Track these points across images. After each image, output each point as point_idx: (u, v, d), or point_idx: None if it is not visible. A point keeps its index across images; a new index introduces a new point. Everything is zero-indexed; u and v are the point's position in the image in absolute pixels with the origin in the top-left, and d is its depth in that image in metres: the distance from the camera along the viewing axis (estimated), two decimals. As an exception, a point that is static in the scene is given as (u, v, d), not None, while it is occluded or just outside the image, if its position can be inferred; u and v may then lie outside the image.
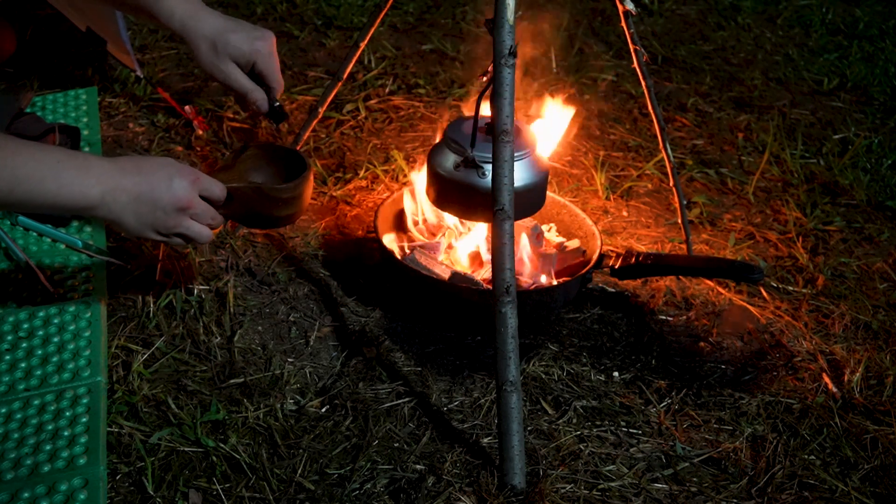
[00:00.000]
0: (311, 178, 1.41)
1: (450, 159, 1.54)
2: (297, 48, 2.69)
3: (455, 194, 1.55)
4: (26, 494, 1.21)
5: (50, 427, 1.30)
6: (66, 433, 1.29)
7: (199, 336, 1.55)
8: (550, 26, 2.90)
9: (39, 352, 1.42)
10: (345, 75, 1.66)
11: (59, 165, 1.14)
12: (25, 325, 1.48)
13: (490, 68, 1.29)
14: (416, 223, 1.77)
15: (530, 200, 1.58)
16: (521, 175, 1.47)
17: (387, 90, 2.46)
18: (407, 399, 1.47)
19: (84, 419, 1.31)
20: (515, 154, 1.42)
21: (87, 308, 1.53)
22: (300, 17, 2.88)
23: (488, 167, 1.42)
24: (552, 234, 1.79)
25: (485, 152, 1.47)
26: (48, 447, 1.27)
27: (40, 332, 1.47)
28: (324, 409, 1.44)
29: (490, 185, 1.29)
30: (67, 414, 1.32)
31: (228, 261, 1.74)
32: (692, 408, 1.50)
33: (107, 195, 1.16)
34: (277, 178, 1.41)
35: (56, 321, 1.49)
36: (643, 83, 1.62)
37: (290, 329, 1.60)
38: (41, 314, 1.51)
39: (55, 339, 1.46)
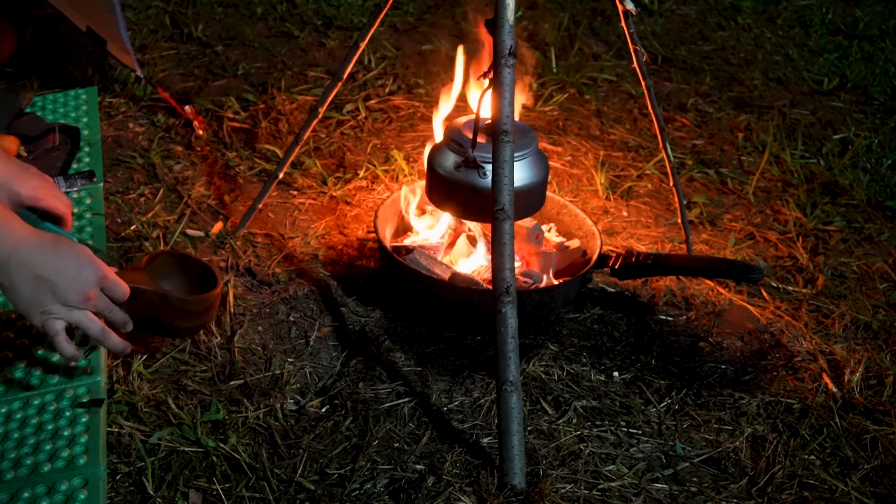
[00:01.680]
0: (219, 296, 1.37)
1: (450, 159, 1.54)
2: (297, 48, 2.69)
3: (455, 194, 1.56)
4: (26, 494, 1.21)
5: (50, 427, 1.29)
6: (65, 433, 1.29)
7: (199, 336, 1.54)
8: (550, 26, 2.90)
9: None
10: (345, 75, 1.66)
11: None
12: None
13: (490, 68, 1.29)
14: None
15: (530, 200, 1.58)
16: (521, 175, 1.47)
17: (387, 90, 2.46)
18: (407, 399, 1.47)
19: (84, 419, 1.31)
20: (516, 154, 1.43)
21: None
22: (300, 17, 2.88)
23: (489, 167, 1.42)
24: (552, 234, 1.79)
25: (486, 152, 1.47)
26: (48, 447, 1.27)
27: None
28: (324, 409, 1.44)
29: (484, 183, 1.29)
30: (67, 414, 1.32)
31: (228, 261, 1.74)
32: (692, 408, 1.50)
33: (12, 261, 1.13)
34: (186, 289, 1.37)
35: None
36: (643, 83, 1.62)
37: (290, 329, 1.60)
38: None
39: (55, 338, 1.46)
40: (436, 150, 1.60)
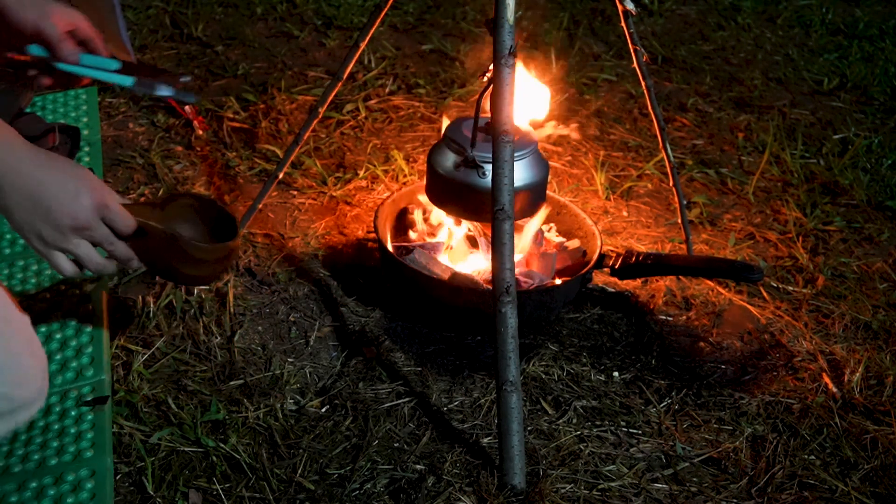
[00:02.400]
0: (234, 250, 1.28)
1: (450, 159, 1.54)
2: (297, 48, 2.69)
3: (455, 194, 1.56)
4: (34, 484, 1.21)
5: (56, 426, 1.30)
6: (72, 430, 1.30)
7: (199, 336, 1.55)
8: (550, 26, 2.90)
9: (43, 349, 1.42)
10: (345, 75, 1.66)
11: None
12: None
13: (490, 68, 1.29)
14: (424, 219, 1.78)
15: (530, 200, 1.58)
16: (521, 175, 1.47)
17: (387, 90, 2.46)
18: (407, 399, 1.47)
19: (90, 416, 1.32)
20: (515, 154, 1.43)
21: (88, 303, 1.53)
22: (300, 17, 2.88)
23: (489, 167, 1.42)
24: (552, 234, 1.79)
25: (485, 152, 1.47)
26: (55, 444, 1.27)
27: (42, 329, 1.47)
28: (324, 409, 1.44)
29: (484, 183, 1.28)
30: (73, 413, 1.33)
31: (228, 261, 1.74)
32: (692, 408, 1.50)
33: (4, 179, 1.04)
34: (203, 236, 1.28)
35: (58, 319, 1.50)
36: (643, 83, 1.62)
37: (290, 329, 1.60)
38: (43, 310, 1.51)
39: (57, 336, 1.46)
40: (436, 149, 1.60)
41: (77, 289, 1.58)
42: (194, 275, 1.25)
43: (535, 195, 1.59)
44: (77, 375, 1.39)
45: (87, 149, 2.01)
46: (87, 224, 1.10)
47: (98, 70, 1.26)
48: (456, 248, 1.71)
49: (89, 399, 1.34)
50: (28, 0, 1.25)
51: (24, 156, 1.07)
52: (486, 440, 1.40)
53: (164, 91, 1.26)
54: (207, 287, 1.65)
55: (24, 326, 1.17)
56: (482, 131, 1.52)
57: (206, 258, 1.22)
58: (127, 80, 1.24)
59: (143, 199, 1.92)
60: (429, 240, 1.74)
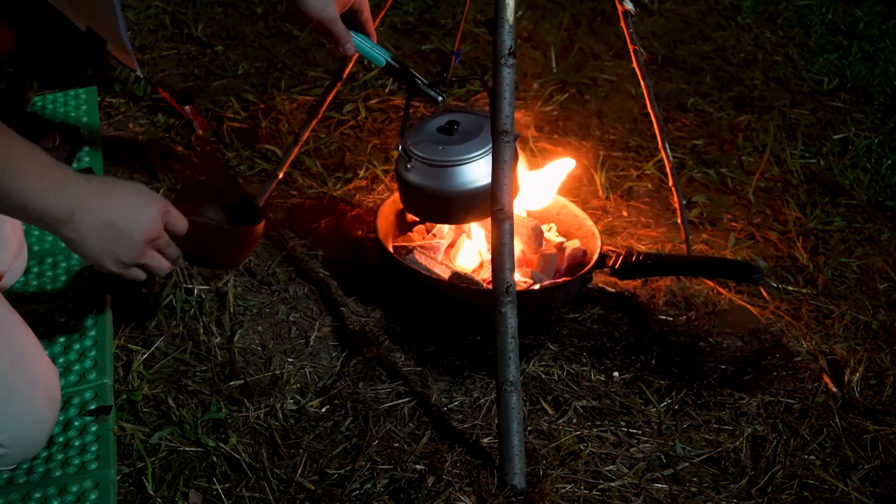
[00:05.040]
0: (262, 229, 1.37)
1: (401, 162, 1.57)
2: (297, 48, 2.69)
3: (406, 197, 1.62)
4: (38, 495, 1.21)
5: (61, 439, 1.30)
6: (76, 443, 1.29)
7: (199, 336, 1.55)
8: (550, 26, 2.90)
9: (46, 352, 1.42)
10: (345, 75, 1.66)
11: (45, 170, 1.07)
12: (30, 325, 1.48)
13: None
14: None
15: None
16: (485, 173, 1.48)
17: (387, 90, 2.45)
18: (407, 399, 1.47)
19: (94, 427, 1.32)
20: (480, 151, 1.50)
21: (91, 305, 1.53)
22: (300, 17, 2.88)
23: (415, 161, 1.52)
24: (552, 234, 1.79)
25: (426, 150, 1.53)
26: (60, 456, 1.27)
27: (45, 332, 1.47)
28: (324, 409, 1.44)
29: (414, 178, 1.43)
30: (76, 424, 1.32)
31: (228, 261, 1.74)
32: (692, 408, 1.50)
33: (76, 213, 1.08)
34: (221, 216, 1.38)
35: (61, 320, 1.50)
36: (643, 83, 1.62)
37: (290, 329, 1.60)
38: (45, 312, 1.51)
39: (61, 339, 1.46)
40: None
41: (80, 291, 1.59)
42: (232, 258, 1.35)
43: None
44: (80, 379, 1.39)
45: (87, 149, 2.01)
46: (157, 234, 1.15)
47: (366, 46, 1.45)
48: (456, 248, 1.71)
49: (93, 408, 1.34)
50: None
51: (86, 186, 1.10)
52: (486, 440, 1.40)
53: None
54: (208, 287, 1.65)
55: (42, 371, 1.27)
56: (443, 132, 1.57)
57: (245, 239, 1.32)
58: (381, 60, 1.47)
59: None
60: (429, 240, 1.74)
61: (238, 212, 1.38)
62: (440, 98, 1.45)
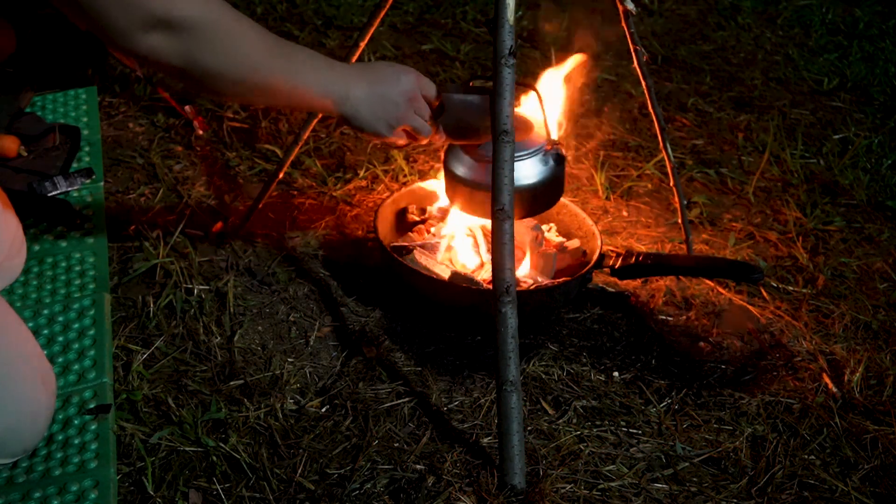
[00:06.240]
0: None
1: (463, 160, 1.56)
2: (297, 48, 2.69)
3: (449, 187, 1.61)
4: (37, 494, 1.21)
5: (60, 437, 1.30)
6: (76, 441, 1.29)
7: (199, 336, 1.55)
8: (550, 26, 2.90)
9: (45, 352, 1.42)
10: (345, 75, 1.66)
11: (316, 61, 1.27)
12: (31, 324, 1.48)
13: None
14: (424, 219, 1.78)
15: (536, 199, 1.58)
16: (530, 172, 1.51)
17: (387, 90, 2.45)
18: (407, 399, 1.47)
19: (93, 426, 1.32)
20: (525, 151, 1.51)
21: (91, 305, 1.53)
22: (300, 17, 2.88)
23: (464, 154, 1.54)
24: (552, 234, 1.79)
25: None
26: (59, 455, 1.27)
27: (45, 332, 1.47)
28: (324, 409, 1.44)
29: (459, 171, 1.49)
30: (76, 422, 1.32)
31: (228, 261, 1.74)
32: (692, 408, 1.50)
33: (350, 89, 1.28)
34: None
35: (61, 319, 1.50)
36: (643, 83, 1.62)
37: (290, 329, 1.60)
38: (46, 312, 1.51)
39: (60, 339, 1.46)
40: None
41: (80, 291, 1.59)
42: (480, 129, 1.46)
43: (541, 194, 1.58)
44: (79, 378, 1.39)
45: (87, 149, 2.01)
46: (415, 93, 1.36)
47: None
48: (456, 248, 1.71)
49: (92, 407, 1.34)
50: None
51: (350, 70, 1.32)
52: (486, 440, 1.40)
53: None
54: (208, 287, 1.65)
55: (38, 370, 1.28)
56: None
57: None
58: None
59: (143, 198, 1.92)
60: (429, 240, 1.74)
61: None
62: None
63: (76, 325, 1.49)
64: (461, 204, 1.58)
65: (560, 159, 1.56)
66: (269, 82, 1.22)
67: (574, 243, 1.74)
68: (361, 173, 2.06)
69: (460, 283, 1.58)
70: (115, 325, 1.55)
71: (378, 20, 1.57)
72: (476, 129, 1.47)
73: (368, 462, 1.34)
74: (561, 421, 1.44)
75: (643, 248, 1.90)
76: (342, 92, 1.28)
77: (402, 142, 1.40)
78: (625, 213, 2.03)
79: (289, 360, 1.53)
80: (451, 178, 1.56)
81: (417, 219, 1.79)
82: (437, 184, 1.81)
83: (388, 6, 1.54)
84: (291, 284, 1.71)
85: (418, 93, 1.36)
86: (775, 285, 1.82)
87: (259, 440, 1.37)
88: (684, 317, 1.71)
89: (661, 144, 1.70)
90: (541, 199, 1.58)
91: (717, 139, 2.37)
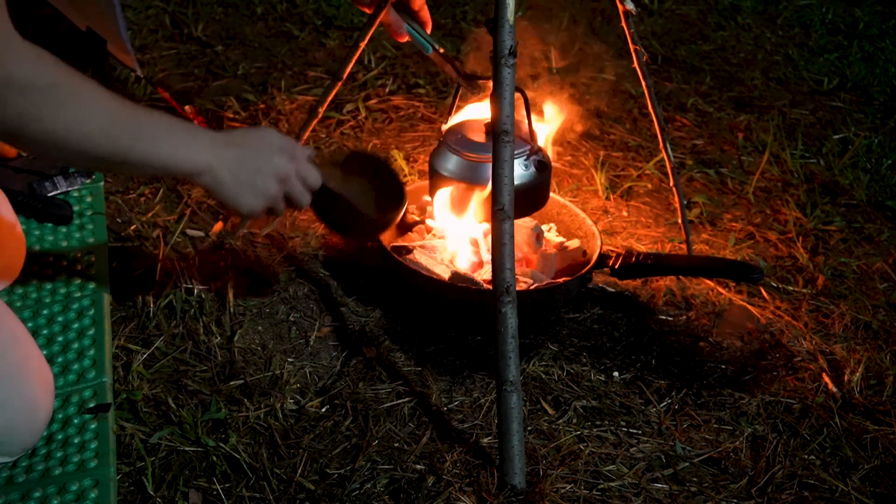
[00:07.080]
0: (401, 212, 1.47)
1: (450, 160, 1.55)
2: (297, 48, 2.69)
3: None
4: (37, 494, 1.21)
5: (60, 437, 1.30)
6: (76, 440, 1.29)
7: (199, 336, 1.55)
8: (550, 26, 2.90)
9: (45, 352, 1.42)
10: (345, 75, 1.66)
11: (172, 129, 1.16)
12: (30, 324, 1.48)
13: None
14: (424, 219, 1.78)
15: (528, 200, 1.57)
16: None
17: (387, 90, 2.46)
18: (407, 399, 1.47)
19: (93, 425, 1.32)
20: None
21: (90, 305, 1.53)
22: (300, 17, 2.89)
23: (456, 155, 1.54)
24: (552, 234, 1.79)
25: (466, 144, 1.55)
26: (59, 454, 1.27)
27: (45, 331, 1.47)
28: (324, 409, 1.44)
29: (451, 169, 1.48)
30: (76, 421, 1.32)
31: (228, 261, 1.74)
32: (692, 408, 1.50)
33: (213, 160, 1.18)
34: (369, 193, 1.45)
35: (60, 319, 1.50)
36: (643, 83, 1.62)
37: (290, 329, 1.60)
38: (45, 311, 1.51)
39: (59, 339, 1.46)
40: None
41: (79, 291, 1.58)
42: (363, 234, 1.46)
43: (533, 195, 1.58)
44: (79, 378, 1.39)
45: (87, 149, 2.01)
46: (287, 177, 1.25)
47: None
48: (456, 248, 1.71)
49: (92, 406, 1.34)
50: None
51: (217, 138, 1.20)
52: (486, 440, 1.40)
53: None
54: (208, 287, 1.65)
55: (36, 368, 1.27)
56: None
57: (374, 224, 1.42)
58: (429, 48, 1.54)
59: (143, 198, 1.92)
60: (429, 239, 1.74)
61: (385, 191, 1.45)
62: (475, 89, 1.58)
63: (76, 325, 1.49)
64: (448, 203, 1.60)
65: (543, 166, 1.55)
66: (115, 153, 1.09)
67: (574, 243, 1.74)
68: (361, 173, 2.06)
69: (460, 283, 1.58)
70: (115, 325, 1.55)
71: (378, 20, 1.57)
72: (345, 228, 1.42)
73: (368, 462, 1.34)
74: (561, 421, 1.44)
75: (643, 248, 1.90)
76: (205, 162, 1.17)
77: (272, 217, 1.30)
78: (625, 213, 2.03)
79: (289, 360, 1.53)
80: (436, 176, 1.58)
81: (417, 219, 1.79)
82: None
83: (388, 6, 1.54)
84: (291, 284, 1.71)
85: (292, 176, 1.26)
86: (775, 285, 1.82)
87: (259, 440, 1.37)
88: (684, 317, 1.71)
89: (661, 144, 1.70)
90: (522, 203, 1.57)
91: (717, 139, 2.37)
